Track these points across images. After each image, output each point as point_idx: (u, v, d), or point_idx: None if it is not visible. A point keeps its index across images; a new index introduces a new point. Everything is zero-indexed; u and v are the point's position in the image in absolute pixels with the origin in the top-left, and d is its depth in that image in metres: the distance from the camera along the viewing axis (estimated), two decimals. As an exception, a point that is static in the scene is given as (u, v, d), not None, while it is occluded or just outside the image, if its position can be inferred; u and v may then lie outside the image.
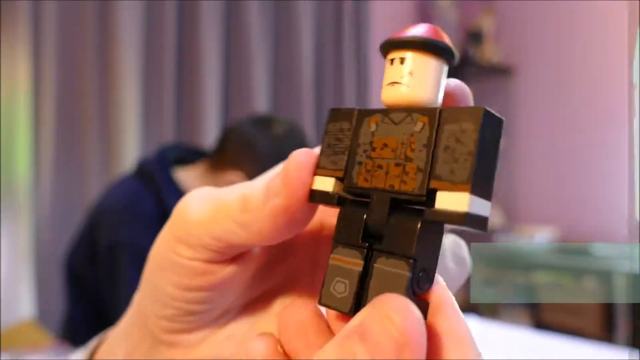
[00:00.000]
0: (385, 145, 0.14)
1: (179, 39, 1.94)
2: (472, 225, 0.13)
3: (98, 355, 0.25)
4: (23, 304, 1.57)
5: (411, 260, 0.14)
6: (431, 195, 0.14)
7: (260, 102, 2.08)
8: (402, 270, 0.14)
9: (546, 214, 2.55)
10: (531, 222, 2.58)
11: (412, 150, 0.14)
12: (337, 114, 0.16)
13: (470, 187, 0.13)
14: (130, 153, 1.77)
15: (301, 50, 2.19)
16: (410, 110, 0.14)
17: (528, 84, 2.64)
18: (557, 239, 2.42)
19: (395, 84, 0.14)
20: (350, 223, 0.15)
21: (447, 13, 2.75)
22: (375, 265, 0.14)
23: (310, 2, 2.26)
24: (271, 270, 0.21)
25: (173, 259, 0.19)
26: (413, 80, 0.13)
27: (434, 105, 0.14)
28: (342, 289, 0.15)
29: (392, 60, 0.14)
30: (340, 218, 0.16)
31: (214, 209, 0.18)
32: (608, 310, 2.08)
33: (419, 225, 0.14)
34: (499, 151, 0.14)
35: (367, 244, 0.15)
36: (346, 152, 0.15)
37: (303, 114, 2.21)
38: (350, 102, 2.38)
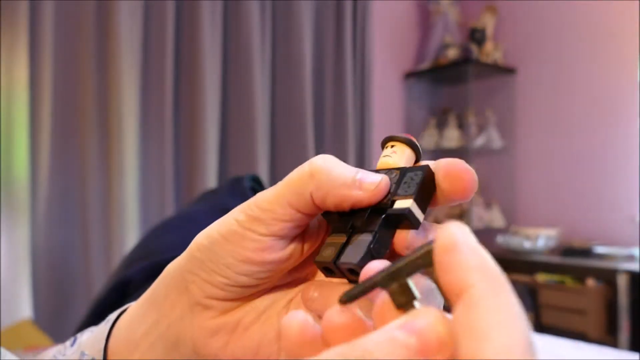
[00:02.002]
0: None
1: (178, 39, 1.93)
2: (410, 219, 0.22)
3: (121, 324, 0.27)
4: (21, 304, 1.56)
5: (374, 233, 0.22)
6: (393, 204, 0.23)
7: (260, 102, 2.08)
8: (367, 238, 0.22)
9: (548, 215, 2.53)
10: (533, 224, 2.57)
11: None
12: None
13: (413, 197, 0.22)
14: (129, 154, 1.77)
15: (301, 50, 2.18)
16: (392, 169, 0.24)
17: (530, 83, 2.63)
18: (559, 240, 2.40)
19: (386, 156, 0.25)
20: (342, 220, 0.24)
21: (448, 12, 2.74)
22: (353, 237, 0.23)
23: (310, 2, 2.26)
24: (304, 267, 0.26)
25: (245, 234, 0.23)
26: (396, 155, 0.25)
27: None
28: (330, 252, 0.23)
29: (392, 146, 0.25)
30: (334, 219, 0.24)
31: (284, 184, 0.23)
32: (610, 312, 2.07)
33: (383, 216, 0.23)
34: (432, 192, 0.23)
35: (351, 230, 0.23)
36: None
37: (303, 114, 2.20)
38: (350, 102, 2.37)
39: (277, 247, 0.23)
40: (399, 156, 0.24)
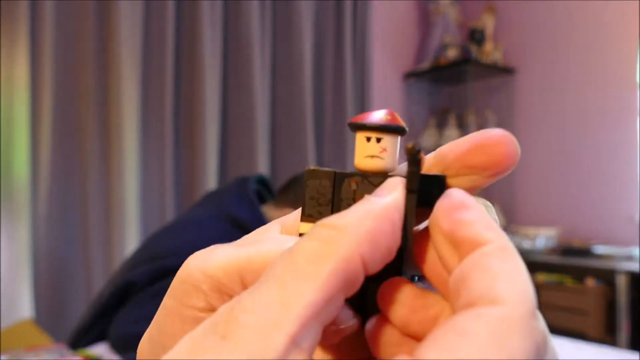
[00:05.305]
0: None
1: (179, 39, 1.93)
2: None
3: None
4: (21, 304, 1.56)
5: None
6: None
7: (260, 102, 2.08)
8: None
9: (547, 214, 2.54)
10: (532, 223, 2.57)
11: None
12: (316, 173, 0.19)
13: None
14: (129, 154, 1.77)
15: (301, 50, 2.18)
16: (386, 175, 0.18)
17: (530, 83, 2.63)
18: (558, 239, 2.40)
19: (375, 157, 0.18)
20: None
21: (447, 12, 2.74)
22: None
23: (310, 2, 2.26)
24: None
25: None
26: (387, 155, 0.18)
27: (395, 168, 0.18)
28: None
29: (368, 138, 0.18)
30: None
31: None
32: (610, 312, 2.07)
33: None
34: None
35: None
36: (330, 204, 0.18)
37: (303, 114, 2.20)
38: (350, 102, 2.37)
39: None
40: (390, 156, 0.18)
